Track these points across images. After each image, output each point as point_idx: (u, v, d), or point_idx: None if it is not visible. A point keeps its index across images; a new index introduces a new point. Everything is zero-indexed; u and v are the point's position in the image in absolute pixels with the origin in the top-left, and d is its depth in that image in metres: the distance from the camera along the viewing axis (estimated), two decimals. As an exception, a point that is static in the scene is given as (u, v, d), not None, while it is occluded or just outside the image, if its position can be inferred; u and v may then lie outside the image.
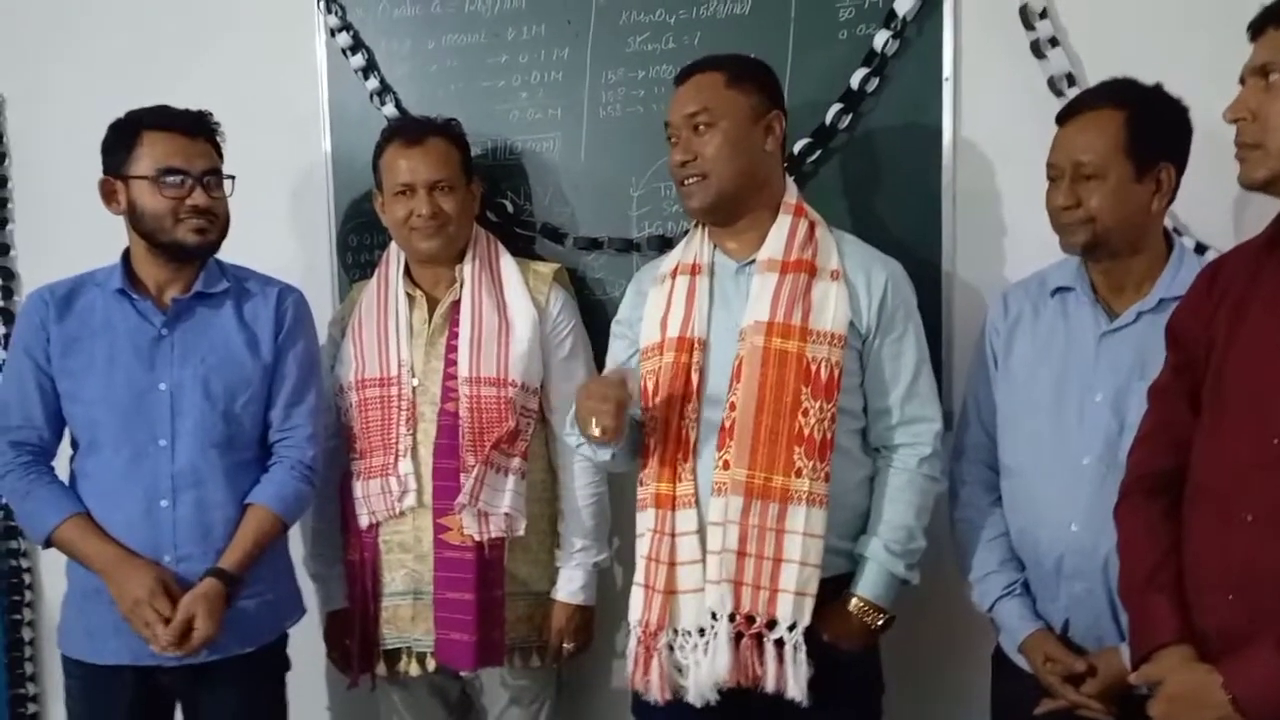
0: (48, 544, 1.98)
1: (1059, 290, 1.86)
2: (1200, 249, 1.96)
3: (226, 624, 1.93)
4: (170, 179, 1.95)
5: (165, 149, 1.96)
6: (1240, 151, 1.38)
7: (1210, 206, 1.96)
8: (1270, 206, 1.47)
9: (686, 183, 1.87)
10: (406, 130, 2.16)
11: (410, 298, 2.18)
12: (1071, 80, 2.05)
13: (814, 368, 1.80)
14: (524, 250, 2.34)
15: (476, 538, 2.05)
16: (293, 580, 2.16)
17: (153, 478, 1.96)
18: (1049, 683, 1.75)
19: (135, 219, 1.99)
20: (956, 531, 1.96)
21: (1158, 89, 1.74)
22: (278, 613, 2.10)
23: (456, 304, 2.14)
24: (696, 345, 1.86)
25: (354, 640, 2.17)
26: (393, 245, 2.24)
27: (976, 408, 1.95)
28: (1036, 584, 1.83)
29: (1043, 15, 2.06)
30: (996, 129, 2.13)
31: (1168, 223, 1.87)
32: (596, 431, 1.74)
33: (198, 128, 2.00)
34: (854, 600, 1.83)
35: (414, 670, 2.15)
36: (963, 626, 2.12)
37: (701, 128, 1.85)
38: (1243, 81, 1.38)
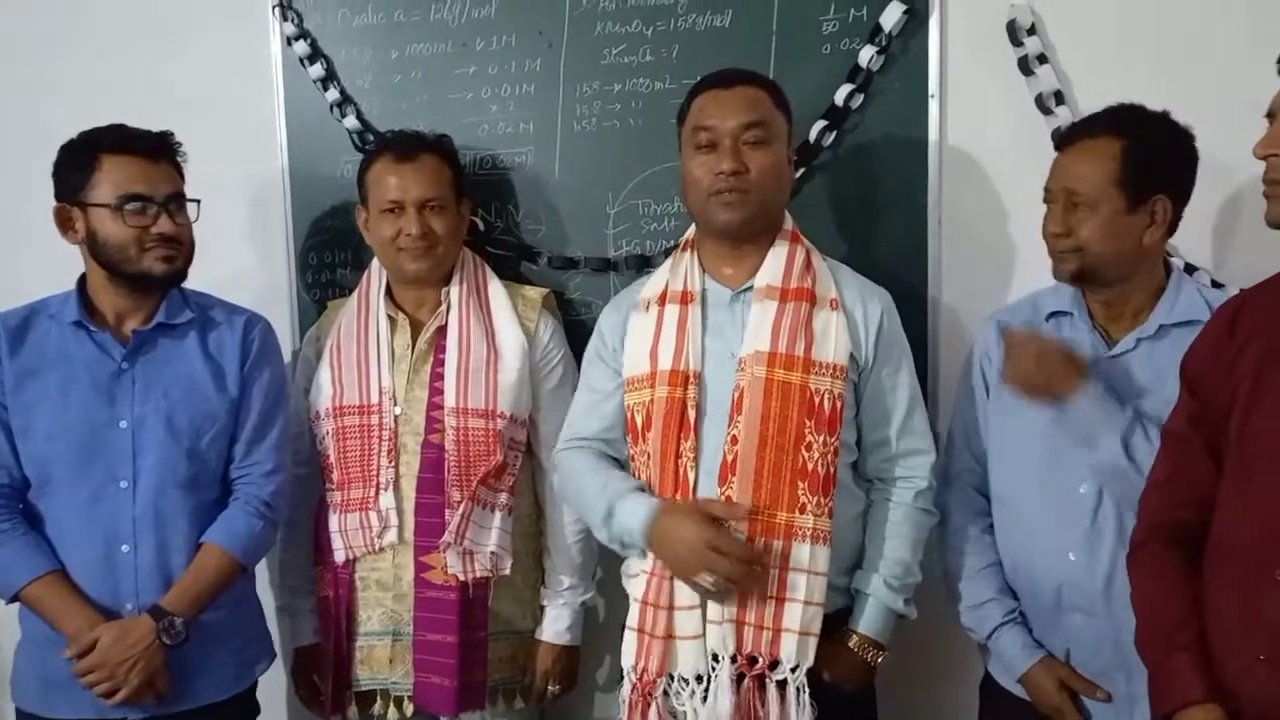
0: (13, 599, 1.86)
1: (1054, 315, 1.83)
2: (1189, 270, 1.95)
3: (196, 672, 1.87)
4: (133, 206, 1.83)
5: (127, 174, 1.83)
6: (1270, 189, 1.35)
7: (1193, 226, 1.95)
8: (1275, 240, 1.44)
9: (725, 194, 1.77)
10: (398, 145, 2.06)
11: (392, 320, 2.08)
12: (1060, 98, 2.03)
13: (817, 400, 1.75)
14: (497, 270, 2.25)
15: (461, 577, 1.96)
16: (261, 623, 2.06)
17: (113, 520, 1.85)
18: (1059, 710, 1.73)
19: (96, 248, 1.86)
20: (947, 559, 1.92)
21: (1163, 118, 1.71)
22: (247, 659, 2.00)
23: (442, 329, 2.05)
24: (691, 378, 1.79)
25: (326, 680, 2.07)
26: (374, 264, 2.14)
27: (965, 434, 1.92)
28: (1035, 616, 1.80)
29: (1031, 31, 2.03)
30: (984, 147, 2.10)
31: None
32: (708, 582, 1.67)
33: (160, 150, 1.88)
34: (854, 637, 1.80)
35: (391, 715, 2.06)
36: (949, 655, 2.10)
37: (756, 142, 1.77)
38: (1271, 117, 1.35)
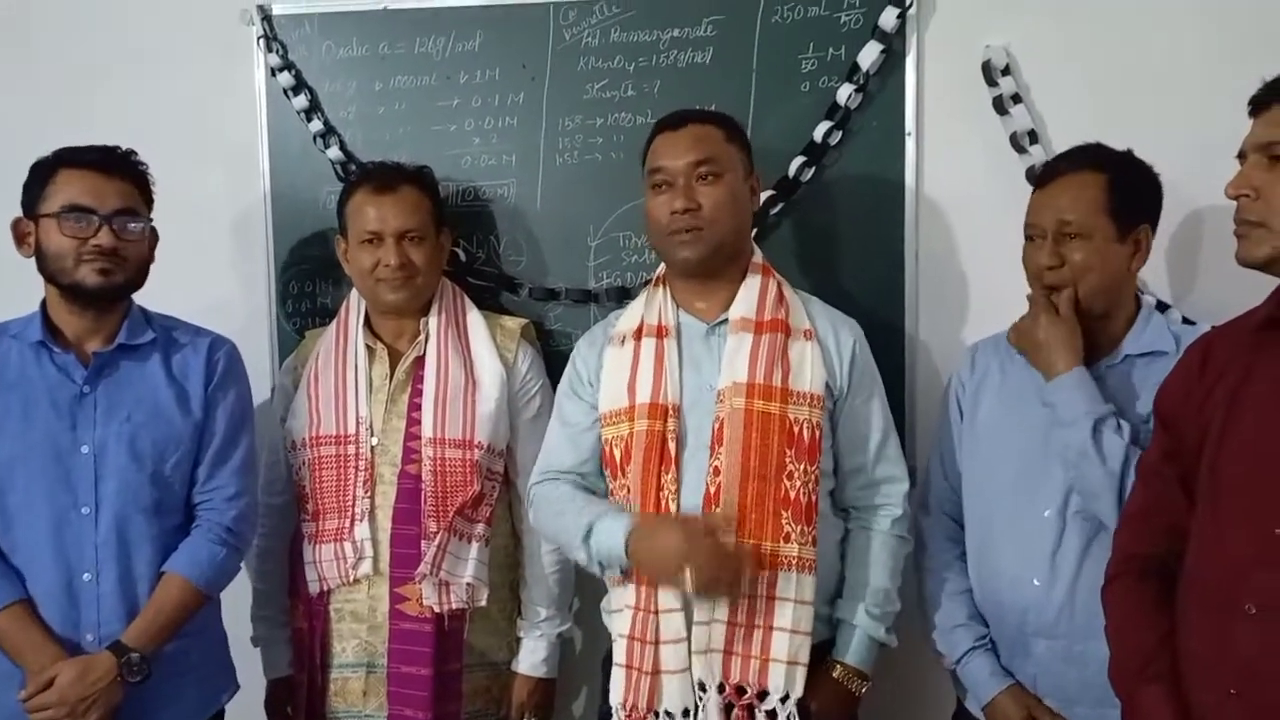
0: None
1: None
2: (1161, 307, 1.98)
3: (157, 703, 1.83)
4: (73, 216, 1.80)
5: (76, 187, 1.81)
6: (1240, 228, 1.37)
7: (1160, 260, 2.00)
8: (1236, 274, 1.46)
9: (681, 233, 1.80)
10: (377, 176, 2.07)
11: (370, 350, 2.08)
12: (1034, 137, 2.07)
13: (797, 429, 1.76)
14: (478, 301, 2.25)
15: (436, 609, 1.95)
16: (225, 653, 2.02)
17: (75, 548, 1.80)
18: None
19: (40, 261, 1.84)
20: (923, 581, 1.94)
21: (1129, 155, 1.76)
22: (210, 688, 1.97)
23: (420, 360, 2.05)
24: (671, 411, 1.80)
25: (299, 713, 2.05)
26: (353, 294, 2.14)
27: (941, 462, 1.95)
28: (1003, 643, 1.82)
29: (1005, 72, 2.08)
30: (959, 185, 2.14)
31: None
32: (689, 583, 1.65)
33: (114, 164, 1.85)
34: (839, 668, 1.80)
35: (364, 748, 2.04)
36: (925, 684, 2.10)
37: (709, 178, 1.80)
38: (1242, 157, 1.38)
